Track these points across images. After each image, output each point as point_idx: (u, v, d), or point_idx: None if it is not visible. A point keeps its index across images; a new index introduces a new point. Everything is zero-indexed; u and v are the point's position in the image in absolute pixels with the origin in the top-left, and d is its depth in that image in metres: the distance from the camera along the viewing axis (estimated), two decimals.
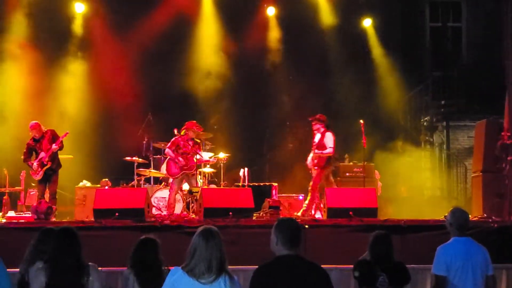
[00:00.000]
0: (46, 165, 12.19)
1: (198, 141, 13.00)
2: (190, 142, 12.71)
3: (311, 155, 12.55)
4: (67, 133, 12.54)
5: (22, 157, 12.38)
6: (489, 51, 18.45)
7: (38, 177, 12.25)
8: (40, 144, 12.29)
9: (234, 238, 9.84)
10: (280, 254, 5.09)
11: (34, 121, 12.46)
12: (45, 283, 5.63)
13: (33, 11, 15.88)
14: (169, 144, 12.96)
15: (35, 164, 12.16)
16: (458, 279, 6.13)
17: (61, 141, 12.28)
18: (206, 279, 4.91)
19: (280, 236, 5.09)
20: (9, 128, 14.90)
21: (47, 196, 12.39)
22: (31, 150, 12.37)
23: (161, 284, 5.92)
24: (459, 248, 6.21)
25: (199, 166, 12.99)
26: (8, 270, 8.60)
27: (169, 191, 12.90)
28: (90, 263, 5.78)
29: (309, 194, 12.45)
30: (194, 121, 12.87)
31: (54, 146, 12.21)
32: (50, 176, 12.31)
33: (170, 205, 12.70)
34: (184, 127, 12.82)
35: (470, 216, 7.18)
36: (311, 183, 12.46)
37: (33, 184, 13.02)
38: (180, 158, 12.68)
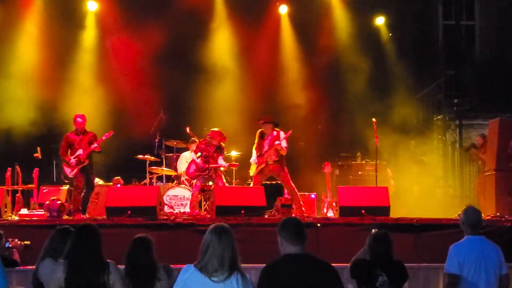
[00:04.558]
0: (83, 162, 12.00)
1: (223, 145, 13.10)
2: (211, 148, 12.85)
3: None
4: (111, 133, 12.40)
5: (60, 152, 12.12)
6: (502, 49, 18.41)
7: (73, 174, 12.12)
8: (81, 141, 12.05)
9: (246, 236, 9.84)
10: (287, 252, 5.09)
11: (81, 114, 12.31)
12: (64, 279, 5.59)
13: (46, 9, 15.93)
14: (195, 148, 13.23)
15: (72, 160, 12.04)
16: (471, 278, 6.10)
17: (100, 143, 12.16)
18: (218, 277, 4.90)
19: (284, 235, 5.11)
20: (20, 126, 14.97)
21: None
22: (69, 145, 12.10)
23: (154, 283, 5.92)
24: (472, 246, 6.17)
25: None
26: (20, 267, 8.71)
27: (193, 190, 13.00)
28: (109, 261, 5.74)
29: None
30: (219, 131, 12.98)
31: (95, 145, 12.04)
32: (87, 170, 12.15)
33: (193, 204, 12.77)
34: (209, 133, 13.03)
35: (483, 215, 7.14)
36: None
37: (64, 181, 12.80)
38: (199, 161, 12.88)
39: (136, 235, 6.34)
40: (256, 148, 12.75)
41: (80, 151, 11.97)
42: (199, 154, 12.88)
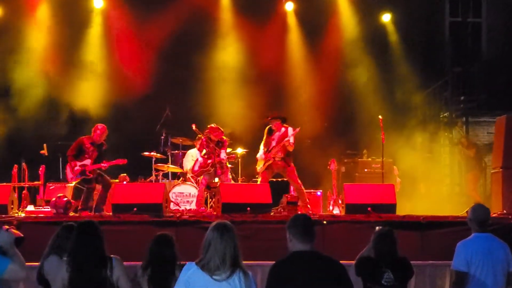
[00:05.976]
0: (87, 176, 11.91)
1: (224, 138, 13.04)
2: (212, 144, 12.77)
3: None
4: (125, 161, 12.38)
5: (68, 152, 12.04)
6: (509, 46, 18.33)
7: (72, 181, 12.11)
8: (94, 151, 11.94)
9: (251, 233, 9.87)
10: (296, 249, 5.07)
11: (102, 125, 12.17)
12: (68, 276, 5.59)
13: (52, 6, 15.95)
14: (198, 146, 13.26)
15: (78, 167, 11.86)
16: (478, 275, 6.09)
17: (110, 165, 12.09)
18: (220, 275, 4.87)
19: (293, 232, 5.11)
20: (26, 123, 15.00)
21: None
22: (81, 150, 11.96)
23: (172, 279, 5.89)
24: (480, 244, 6.16)
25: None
26: (25, 264, 8.70)
27: (199, 187, 12.96)
28: (113, 256, 5.73)
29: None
30: (215, 126, 12.92)
31: (104, 164, 11.99)
32: (98, 176, 12.11)
33: (199, 201, 12.75)
34: (206, 130, 12.97)
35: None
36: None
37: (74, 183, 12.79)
38: (200, 158, 12.93)
39: (158, 232, 6.36)
40: (264, 144, 12.78)
41: (88, 161, 11.88)
42: (204, 151, 12.90)
